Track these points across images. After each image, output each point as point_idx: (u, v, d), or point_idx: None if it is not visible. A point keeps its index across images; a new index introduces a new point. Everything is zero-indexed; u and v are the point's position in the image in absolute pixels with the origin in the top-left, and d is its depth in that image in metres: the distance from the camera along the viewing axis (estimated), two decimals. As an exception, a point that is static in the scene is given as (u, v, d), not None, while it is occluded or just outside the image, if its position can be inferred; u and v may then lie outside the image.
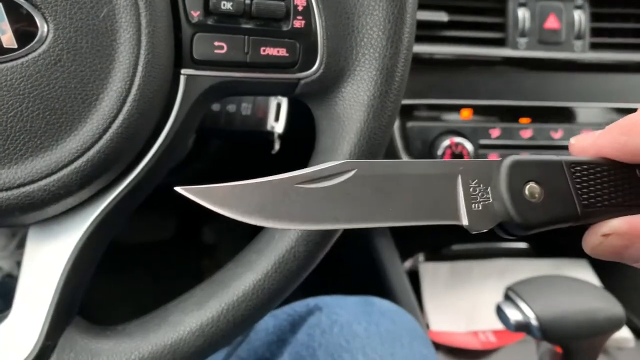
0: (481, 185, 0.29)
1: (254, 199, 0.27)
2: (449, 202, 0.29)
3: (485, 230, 0.29)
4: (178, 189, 0.26)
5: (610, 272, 1.00)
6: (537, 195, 0.29)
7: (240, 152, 0.94)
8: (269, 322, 0.62)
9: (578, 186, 0.30)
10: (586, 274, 1.01)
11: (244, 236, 1.20)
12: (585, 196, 0.30)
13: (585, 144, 0.31)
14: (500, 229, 0.30)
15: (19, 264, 1.06)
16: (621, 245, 0.29)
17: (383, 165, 0.29)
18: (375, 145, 0.41)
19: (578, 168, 0.30)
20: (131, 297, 1.17)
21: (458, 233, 0.29)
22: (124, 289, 1.14)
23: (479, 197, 0.29)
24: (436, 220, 0.29)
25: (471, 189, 0.29)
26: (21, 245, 1.09)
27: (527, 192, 0.29)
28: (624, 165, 0.30)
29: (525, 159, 0.30)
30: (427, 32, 0.76)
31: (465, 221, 0.29)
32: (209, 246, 1.30)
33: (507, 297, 0.66)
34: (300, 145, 0.61)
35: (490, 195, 0.29)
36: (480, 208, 0.29)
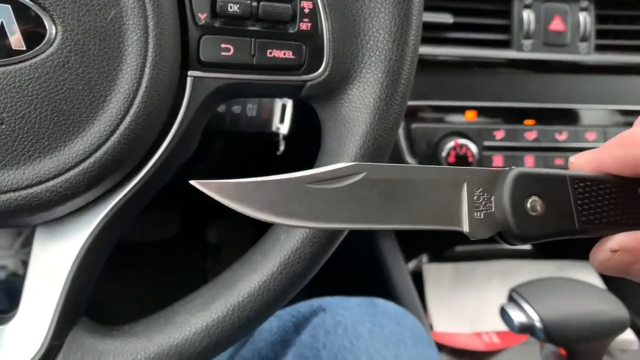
0: (485, 194, 0.30)
1: (266, 196, 0.27)
2: (452, 209, 0.29)
3: (484, 238, 0.30)
4: (193, 182, 0.27)
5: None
6: (538, 209, 0.30)
7: (244, 152, 0.95)
8: (273, 323, 0.62)
9: (579, 202, 0.30)
10: (590, 276, 1.01)
11: (248, 236, 1.21)
12: (585, 212, 0.30)
13: (585, 160, 0.32)
14: (499, 237, 0.30)
15: (23, 262, 1.07)
16: (629, 261, 0.30)
17: (391, 170, 0.29)
18: (381, 147, 0.41)
19: (581, 184, 0.31)
20: (135, 296, 1.18)
21: (461, 235, 0.30)
22: (127, 287, 1.14)
23: (481, 206, 0.30)
24: (439, 226, 0.29)
25: (475, 197, 0.30)
26: (26, 244, 1.10)
27: (528, 205, 0.30)
28: (627, 182, 0.31)
29: (530, 172, 0.30)
30: (431, 33, 0.76)
31: (466, 228, 0.29)
32: (213, 245, 1.31)
33: (511, 299, 0.66)
34: (305, 146, 0.61)
35: (492, 205, 0.30)
36: (482, 216, 0.30)
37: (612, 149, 0.31)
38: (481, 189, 0.30)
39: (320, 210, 0.28)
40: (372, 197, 0.28)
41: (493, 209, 0.30)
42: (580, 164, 0.32)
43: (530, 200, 0.30)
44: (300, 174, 0.28)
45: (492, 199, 0.30)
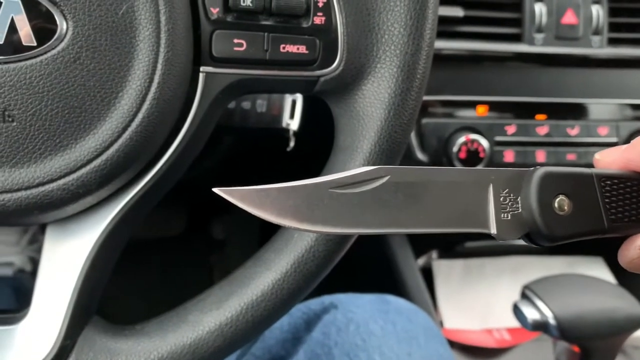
0: (511, 195, 0.30)
1: (289, 202, 0.27)
2: (479, 211, 0.29)
3: (512, 239, 0.29)
4: (216, 190, 0.27)
5: (626, 270, 0.99)
6: (566, 208, 0.29)
7: (254, 149, 0.94)
8: (284, 320, 0.61)
9: (607, 200, 0.30)
10: (602, 272, 1.00)
11: (253, 232, 1.20)
12: (613, 210, 0.30)
13: (612, 159, 0.31)
14: (527, 238, 0.30)
15: (31, 259, 1.07)
16: None
17: (416, 172, 0.29)
18: (395, 143, 0.40)
19: (608, 182, 0.30)
20: (141, 293, 1.18)
21: (487, 235, 0.29)
22: (133, 284, 1.14)
23: (508, 207, 0.29)
24: (466, 228, 0.29)
25: (501, 198, 0.29)
26: (33, 241, 1.09)
27: (556, 204, 0.29)
28: None
29: (556, 171, 0.30)
30: (442, 27, 0.75)
31: (494, 230, 0.29)
32: (218, 241, 1.31)
33: (524, 296, 0.65)
34: (315, 142, 0.61)
35: (519, 205, 0.29)
36: (509, 217, 0.29)
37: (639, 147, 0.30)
38: (507, 190, 0.29)
39: (345, 215, 0.27)
40: (397, 200, 0.28)
41: (520, 210, 0.29)
42: (607, 162, 0.31)
43: (557, 199, 0.29)
44: (324, 178, 0.28)
45: (518, 199, 0.29)
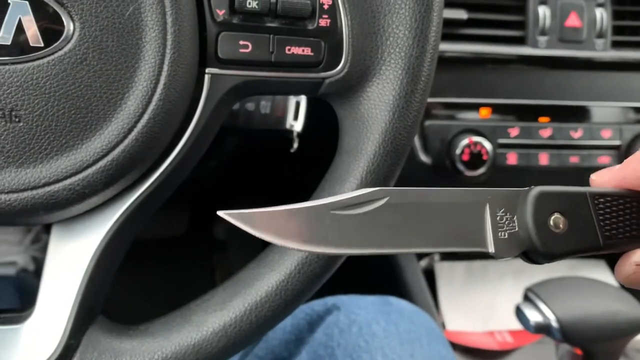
0: (508, 214, 0.30)
1: (291, 224, 0.28)
2: (477, 230, 0.30)
3: (509, 257, 0.30)
4: (220, 213, 0.27)
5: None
6: (561, 226, 0.30)
7: (258, 150, 0.94)
8: (287, 321, 0.61)
9: (601, 217, 0.31)
10: (604, 275, 1.00)
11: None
12: (607, 227, 0.31)
13: (606, 178, 0.32)
14: (524, 256, 0.31)
15: (33, 258, 1.07)
16: None
17: (414, 194, 0.30)
18: (400, 145, 0.40)
19: (602, 200, 0.31)
20: (143, 293, 1.18)
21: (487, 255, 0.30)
22: (136, 284, 1.14)
23: (505, 226, 0.30)
24: (464, 247, 0.30)
25: (498, 217, 0.30)
26: (36, 240, 1.10)
27: (552, 222, 0.30)
28: None
29: (551, 190, 0.31)
30: (446, 30, 0.75)
31: (492, 249, 0.30)
32: (221, 242, 1.31)
33: (527, 298, 0.65)
34: (319, 143, 0.61)
35: (516, 224, 0.30)
36: (506, 236, 0.30)
37: (632, 165, 0.31)
38: (503, 209, 0.30)
39: (346, 236, 0.28)
40: (396, 221, 0.29)
41: (517, 229, 0.30)
42: (602, 182, 0.32)
43: (552, 217, 0.30)
44: (325, 201, 0.28)
45: (514, 218, 0.30)
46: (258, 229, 0.27)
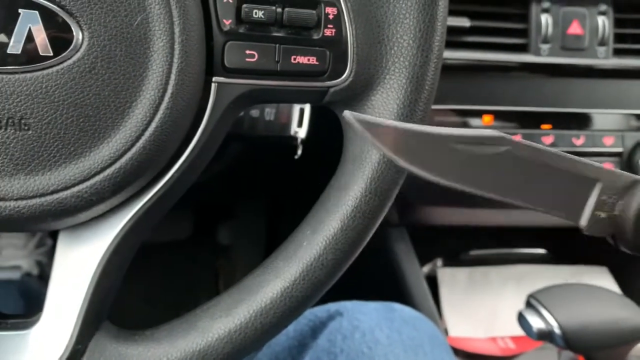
0: (614, 197, 0.30)
1: (408, 142, 0.28)
2: (577, 203, 0.30)
3: (597, 235, 0.31)
4: (347, 113, 0.28)
5: (630, 280, 0.99)
6: None
7: (262, 156, 0.95)
8: (290, 327, 0.61)
9: None
10: (606, 281, 1.00)
11: (259, 237, 1.21)
12: None
13: None
14: (612, 238, 0.31)
15: (38, 263, 1.07)
16: None
17: (535, 152, 0.30)
18: (404, 153, 0.41)
19: None
20: (147, 296, 1.18)
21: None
22: (140, 288, 1.15)
23: (606, 207, 0.30)
24: (559, 214, 0.30)
25: (604, 198, 0.30)
26: (40, 245, 1.10)
27: None
28: None
29: None
30: (449, 37, 0.75)
31: (584, 222, 0.30)
32: (224, 246, 1.31)
33: (530, 305, 0.65)
34: (323, 150, 0.61)
35: (617, 208, 0.30)
36: (603, 216, 0.30)
37: None
38: (613, 191, 0.30)
39: (457, 170, 0.29)
40: (509, 171, 0.29)
41: (617, 213, 0.30)
42: None
43: None
44: (449, 131, 0.29)
45: (618, 203, 0.30)
46: (375, 136, 0.28)
